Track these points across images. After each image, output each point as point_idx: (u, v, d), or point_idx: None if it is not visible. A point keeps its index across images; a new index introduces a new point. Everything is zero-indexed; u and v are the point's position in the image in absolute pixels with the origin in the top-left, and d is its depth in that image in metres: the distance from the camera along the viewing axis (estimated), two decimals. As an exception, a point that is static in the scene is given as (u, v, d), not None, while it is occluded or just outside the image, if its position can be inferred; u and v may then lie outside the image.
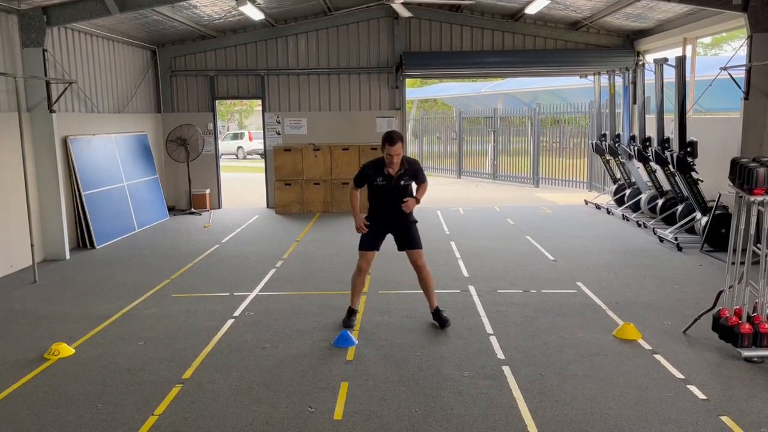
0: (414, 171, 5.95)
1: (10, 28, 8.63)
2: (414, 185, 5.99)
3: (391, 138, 5.69)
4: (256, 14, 11.66)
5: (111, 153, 11.26)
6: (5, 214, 8.32)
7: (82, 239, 10.06)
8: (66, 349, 5.45)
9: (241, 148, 31.99)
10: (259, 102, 14.10)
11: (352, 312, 6.11)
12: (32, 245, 8.13)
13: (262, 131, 14.26)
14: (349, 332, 5.70)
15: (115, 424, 4.21)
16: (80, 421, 4.27)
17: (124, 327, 6.16)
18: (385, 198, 5.89)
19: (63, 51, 9.99)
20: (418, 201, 5.93)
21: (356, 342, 5.59)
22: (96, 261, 9.16)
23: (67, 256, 9.28)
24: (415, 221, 6.08)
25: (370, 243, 6.03)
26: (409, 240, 6.02)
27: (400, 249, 6.11)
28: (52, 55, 9.45)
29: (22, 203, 8.19)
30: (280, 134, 13.88)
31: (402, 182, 5.86)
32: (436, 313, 6.06)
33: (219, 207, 14.10)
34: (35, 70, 8.79)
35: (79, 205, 9.99)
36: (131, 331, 6.01)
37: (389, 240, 6.08)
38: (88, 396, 4.64)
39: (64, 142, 9.82)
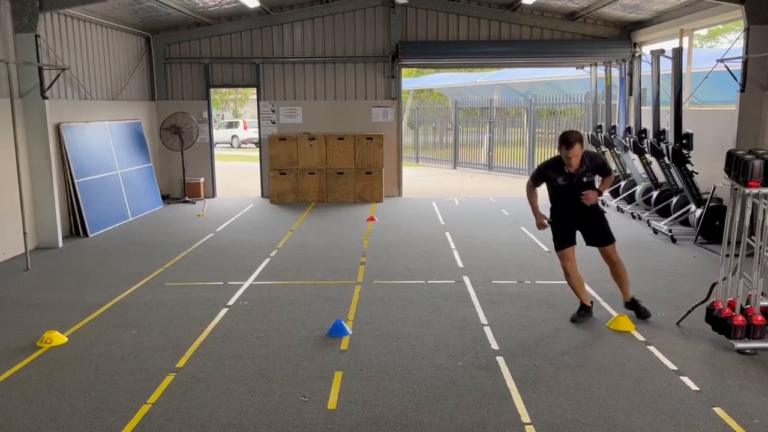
0: (596, 165, 5.72)
1: (2, 13, 8.52)
2: (598, 178, 5.78)
3: (568, 141, 5.40)
4: (251, 1, 11.58)
5: (104, 140, 11.19)
6: (-3, 202, 8.27)
7: (75, 227, 10.00)
8: (59, 337, 5.42)
9: (236, 137, 31.82)
10: (254, 90, 14.00)
11: (583, 308, 5.92)
12: (25, 233, 8.08)
13: (257, 120, 14.18)
14: (343, 321, 5.69)
15: (107, 412, 4.20)
16: (73, 409, 4.25)
17: (118, 315, 6.14)
18: (567, 197, 5.67)
19: (56, 37, 9.88)
20: (600, 193, 5.70)
21: (350, 332, 5.58)
22: (89, 249, 9.12)
23: (60, 244, 9.23)
24: (603, 212, 5.87)
25: (563, 240, 5.83)
26: (598, 235, 5.82)
27: (588, 243, 5.92)
28: (45, 41, 9.35)
29: (15, 190, 8.13)
30: (275, 123, 13.81)
31: (584, 179, 5.60)
32: (633, 303, 5.94)
33: (213, 196, 14.04)
34: (28, 56, 8.70)
35: (72, 192, 9.93)
36: (124, 320, 5.99)
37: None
38: (81, 384, 4.62)
39: (57, 129, 9.74)
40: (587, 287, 6.29)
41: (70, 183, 9.92)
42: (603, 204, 12.35)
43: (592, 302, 6.08)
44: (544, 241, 9.20)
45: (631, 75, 12.46)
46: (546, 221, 5.86)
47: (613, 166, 13.11)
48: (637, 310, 5.93)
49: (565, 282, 7.06)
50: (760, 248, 5.09)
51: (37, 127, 8.92)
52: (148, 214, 11.94)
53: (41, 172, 9.03)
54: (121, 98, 12.18)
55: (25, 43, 8.71)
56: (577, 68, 15.20)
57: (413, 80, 29.90)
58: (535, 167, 5.91)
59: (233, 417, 4.14)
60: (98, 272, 7.80)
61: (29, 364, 4.98)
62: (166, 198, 13.41)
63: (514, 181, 17.27)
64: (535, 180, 5.88)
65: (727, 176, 5.39)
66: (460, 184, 16.57)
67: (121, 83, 12.20)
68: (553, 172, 5.69)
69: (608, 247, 5.85)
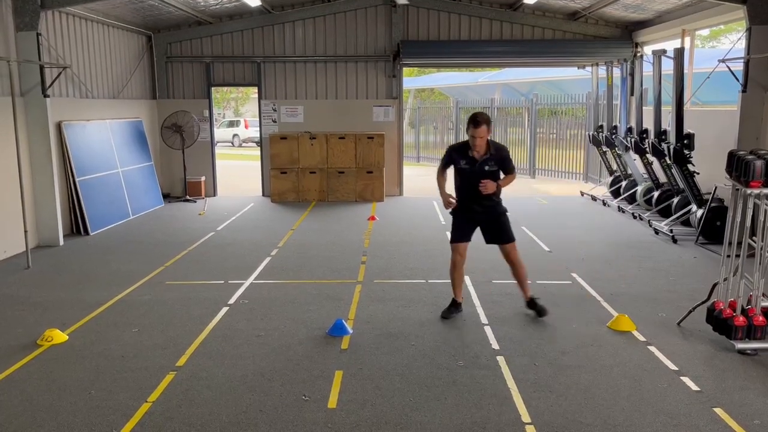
0: (501, 158, 5.78)
1: (3, 12, 8.52)
2: (501, 174, 5.83)
3: (476, 120, 5.54)
4: (252, 0, 11.57)
5: (106, 139, 11.19)
6: (-2, 200, 8.27)
7: (76, 226, 10.01)
8: (59, 336, 5.42)
9: (237, 136, 31.83)
10: (256, 89, 13.99)
11: (455, 304, 6.04)
12: (26, 231, 8.08)
13: (258, 119, 14.19)
14: (343, 321, 5.69)
15: (108, 410, 4.20)
16: (73, 407, 4.25)
17: (118, 314, 6.14)
18: (467, 182, 5.74)
19: (57, 35, 9.89)
20: (499, 186, 5.74)
21: (351, 331, 5.58)
22: (90, 247, 9.12)
23: (61, 243, 9.23)
24: (505, 211, 5.93)
25: (459, 234, 5.91)
26: (497, 233, 5.89)
27: (487, 242, 5.99)
28: (47, 40, 9.35)
29: (16, 189, 8.14)
30: (276, 122, 13.81)
31: (486, 167, 5.68)
32: (531, 303, 6.01)
33: (214, 195, 14.04)
34: (29, 54, 8.70)
35: (73, 191, 9.93)
36: (125, 318, 5.99)
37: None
38: (82, 382, 4.62)
39: (59, 128, 9.75)
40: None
41: (71, 181, 9.93)
42: (603, 204, 12.35)
43: (462, 299, 6.15)
44: (544, 241, 9.21)
45: (632, 75, 12.45)
46: (453, 200, 5.84)
47: (615, 166, 13.13)
48: (535, 308, 5.99)
49: (567, 282, 7.11)
50: (761, 249, 5.09)
51: (39, 125, 8.92)
52: (149, 212, 11.95)
53: (42, 170, 9.03)
54: (123, 97, 12.18)
55: (27, 42, 8.71)
56: (578, 68, 15.19)
57: (414, 79, 29.90)
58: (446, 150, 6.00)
59: (233, 415, 4.14)
60: (99, 271, 7.80)
61: (30, 362, 4.99)
62: (167, 197, 13.41)
63: (515, 180, 17.22)
64: (443, 162, 5.95)
65: (728, 177, 5.38)
66: (461, 184, 16.52)
67: (123, 82, 12.20)
68: (458, 154, 5.77)
69: (507, 245, 5.90)
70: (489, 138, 5.71)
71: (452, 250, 5.97)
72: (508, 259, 5.96)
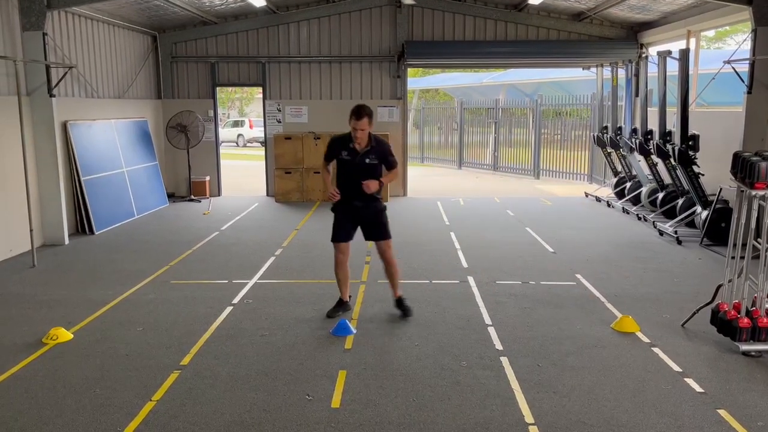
0: (383, 152, 5.77)
1: (10, 11, 8.56)
2: (384, 169, 5.82)
3: (358, 112, 5.53)
4: (257, 0, 11.60)
5: (111, 138, 11.23)
6: (4, 199, 8.30)
7: (81, 225, 10.04)
8: (64, 334, 5.45)
9: (242, 136, 31.89)
10: (260, 89, 14.02)
11: (341, 303, 6.06)
12: (31, 230, 8.12)
13: (262, 119, 14.21)
14: (347, 321, 5.70)
15: (113, 409, 4.22)
16: (78, 405, 4.27)
17: (123, 313, 6.16)
18: (349, 174, 5.71)
19: (63, 35, 9.93)
20: (381, 183, 5.73)
21: (354, 331, 5.59)
22: (95, 246, 9.15)
23: (66, 242, 9.27)
24: (384, 208, 5.96)
25: (340, 234, 5.93)
26: (375, 230, 5.92)
27: (366, 239, 6.01)
28: (53, 39, 9.39)
29: (22, 188, 8.17)
30: (280, 122, 13.83)
31: (367, 160, 5.68)
32: (399, 302, 6.04)
33: (219, 194, 14.07)
34: (35, 54, 8.74)
35: (79, 190, 9.97)
36: (130, 317, 6.01)
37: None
38: (87, 381, 4.64)
39: (64, 127, 9.78)
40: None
41: (77, 180, 9.96)
42: (608, 205, 12.33)
43: (350, 297, 6.16)
44: (548, 241, 9.20)
45: (637, 76, 12.42)
46: (336, 193, 5.77)
47: (619, 168, 13.11)
48: (401, 307, 6.00)
49: (571, 283, 7.10)
50: (766, 250, 5.07)
51: (44, 124, 8.96)
52: (154, 212, 11.98)
53: (48, 169, 9.07)
54: (128, 96, 12.22)
55: (33, 41, 8.75)
56: (583, 69, 15.19)
57: (419, 80, 29.90)
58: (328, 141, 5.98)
59: (237, 415, 4.15)
60: (104, 270, 7.83)
61: (35, 361, 5.01)
62: (171, 196, 13.45)
63: (519, 181, 17.25)
64: (326, 155, 5.91)
65: (733, 178, 5.38)
66: (465, 185, 16.55)
67: (128, 81, 12.25)
68: (340, 145, 5.75)
69: (382, 242, 5.90)
70: (371, 131, 5.68)
71: (334, 248, 5.96)
72: (383, 256, 5.97)
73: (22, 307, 6.34)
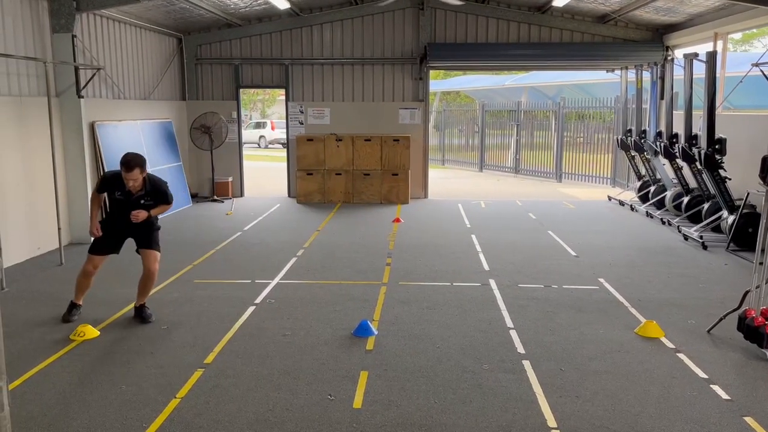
0: (159, 193, 5.83)
1: (40, 14, 8.74)
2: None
3: (128, 164, 5.56)
4: (281, 3, 11.69)
5: (136, 139, 11.39)
6: (33, 197, 8.47)
7: (107, 224, 10.18)
8: (91, 331, 5.54)
9: (264, 137, 32.13)
10: (282, 91, 14.12)
11: (74, 306, 6.02)
12: (59, 228, 8.27)
13: (284, 120, 14.30)
14: (368, 322, 5.72)
15: (138, 405, 4.28)
16: (104, 401, 4.34)
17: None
18: (121, 212, 5.77)
19: (92, 37, 10.10)
20: (149, 214, 5.79)
21: (376, 332, 5.61)
22: (120, 245, 9.27)
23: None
24: (158, 228, 6.03)
25: (99, 247, 5.92)
26: (143, 238, 5.93)
27: (139, 247, 5.98)
28: (81, 41, 9.56)
29: (50, 187, 8.32)
30: (302, 124, 13.91)
31: (142, 201, 5.75)
32: (140, 309, 5.99)
33: (241, 195, 14.19)
34: (64, 56, 8.91)
35: (105, 190, 10.11)
36: (154, 315, 6.08)
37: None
38: (113, 377, 4.72)
39: (92, 128, 9.95)
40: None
41: (103, 180, 10.11)
42: (631, 209, 12.20)
43: (81, 304, 6.07)
44: (571, 245, 9.13)
45: (662, 78, 12.30)
46: (98, 231, 5.83)
47: (643, 171, 12.97)
48: (141, 315, 5.94)
49: (594, 287, 7.05)
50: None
51: (73, 125, 9.12)
52: (177, 212, 12.12)
53: (76, 169, 9.23)
54: (153, 98, 12.39)
55: (62, 43, 8.92)
56: (607, 71, 15.06)
57: (440, 82, 29.86)
58: (101, 175, 5.90)
59: (260, 413, 4.19)
60: (129, 268, 7.89)
61: (63, 357, 5.10)
62: (195, 196, 13.60)
63: (541, 184, 17.14)
64: (98, 187, 5.96)
65: (762, 182, 5.29)
66: (486, 187, 16.49)
67: (154, 83, 12.41)
68: (113, 184, 5.77)
69: (149, 252, 5.91)
70: (145, 175, 5.72)
71: (87, 260, 5.93)
72: (146, 266, 5.93)
73: (50, 305, 6.45)
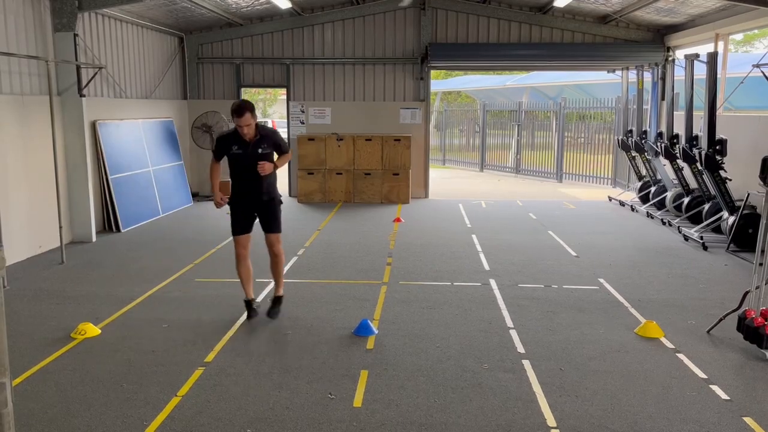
0: (274, 141, 5.83)
1: (42, 13, 8.76)
2: (276, 155, 5.89)
3: (239, 109, 5.54)
4: (283, 2, 11.71)
5: (138, 138, 11.41)
6: (35, 196, 8.49)
7: (108, 222, 10.22)
8: (92, 329, 5.56)
9: (264, 137, 32.12)
10: (283, 91, 14.14)
11: (248, 304, 6.02)
12: (60, 227, 8.28)
13: (285, 120, 14.32)
14: (369, 321, 5.73)
15: (139, 403, 4.30)
16: (105, 399, 4.36)
17: (149, 309, 6.27)
18: (242, 166, 5.74)
19: (93, 36, 10.12)
20: (276, 166, 5.79)
21: (376, 331, 5.62)
22: (121, 244, 9.31)
23: (94, 239, 9.44)
24: (281, 202, 6.02)
25: (238, 227, 5.95)
26: (267, 222, 5.94)
27: (263, 230, 6.00)
28: (83, 40, 9.58)
29: (52, 186, 8.34)
30: (303, 123, 13.93)
31: (259, 150, 5.70)
32: (276, 300, 6.06)
33: (242, 194, 14.17)
34: (66, 55, 8.93)
35: (106, 188, 10.15)
36: (155, 314, 6.11)
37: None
38: (114, 375, 4.74)
39: (93, 127, 9.97)
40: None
41: (105, 179, 10.14)
42: (632, 209, 12.21)
43: (253, 299, 6.09)
44: (571, 245, 9.14)
45: (663, 79, 12.31)
46: (223, 200, 5.87)
47: (644, 172, 12.98)
48: (274, 307, 6.00)
49: (594, 287, 7.06)
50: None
51: (74, 124, 9.15)
52: (179, 211, 12.14)
53: (77, 168, 9.26)
54: (155, 97, 12.41)
55: (64, 42, 8.94)
56: (608, 72, 15.07)
57: (441, 82, 29.86)
58: (215, 140, 5.94)
59: (261, 412, 4.20)
60: (130, 267, 7.96)
61: (64, 355, 5.12)
62: (196, 195, 13.61)
63: (542, 185, 17.15)
64: (215, 152, 5.90)
65: (762, 183, 5.30)
66: (486, 187, 16.50)
67: (155, 82, 12.43)
68: (229, 141, 5.75)
69: (272, 235, 5.91)
70: (257, 121, 5.70)
71: (234, 243, 5.96)
72: (271, 250, 5.97)
73: (52, 303, 6.48)
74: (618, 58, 13.33)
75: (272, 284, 7.14)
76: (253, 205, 5.90)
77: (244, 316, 6.05)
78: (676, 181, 11.38)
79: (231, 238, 6.10)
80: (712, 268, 8.03)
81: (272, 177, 5.85)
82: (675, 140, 10.70)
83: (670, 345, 5.37)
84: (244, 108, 5.55)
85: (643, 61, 12.86)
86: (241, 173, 5.79)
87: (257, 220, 5.99)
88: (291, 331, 5.69)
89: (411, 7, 13.34)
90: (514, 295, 6.78)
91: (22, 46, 8.29)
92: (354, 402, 4.33)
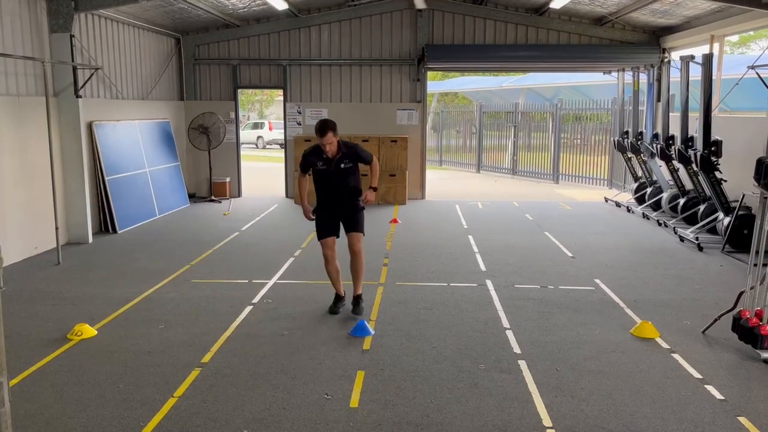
0: (354, 153, 6.03)
1: (39, 14, 8.75)
2: (358, 167, 6.10)
3: (322, 129, 5.80)
4: (279, 4, 11.71)
5: (134, 139, 11.40)
6: (31, 197, 8.47)
7: (105, 223, 10.21)
8: (89, 330, 5.56)
9: (261, 138, 32.14)
10: (280, 92, 14.15)
11: (338, 299, 6.29)
12: (57, 228, 8.27)
13: (282, 121, 14.33)
14: (365, 322, 5.74)
15: (135, 404, 4.30)
16: (102, 400, 4.36)
17: (145, 310, 6.26)
18: (327, 182, 6.03)
19: (90, 37, 10.11)
20: (375, 189, 6.11)
21: (373, 332, 5.63)
22: (118, 245, 9.30)
23: (90, 240, 9.43)
24: (363, 208, 6.19)
25: (323, 231, 6.16)
26: (350, 223, 6.14)
27: (346, 231, 6.19)
28: (79, 41, 9.57)
29: (48, 187, 8.33)
30: (300, 124, 13.93)
31: (342, 165, 5.96)
32: (357, 299, 6.21)
33: (239, 195, 14.20)
34: (63, 56, 8.92)
35: (103, 189, 10.14)
36: (152, 315, 6.11)
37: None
38: (110, 376, 4.73)
39: (90, 128, 9.96)
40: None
41: (101, 180, 10.13)
42: (628, 210, 12.24)
43: (343, 296, 6.32)
44: (567, 246, 9.17)
45: (659, 81, 12.33)
46: (312, 214, 6.18)
47: (640, 173, 13.01)
48: (356, 306, 6.18)
49: (590, 288, 7.08)
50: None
51: (71, 125, 9.13)
52: (175, 212, 12.13)
53: (73, 169, 9.24)
54: (151, 98, 12.40)
55: (61, 43, 8.93)
56: (604, 73, 15.12)
57: (438, 83, 29.90)
58: (302, 156, 6.21)
59: (257, 412, 4.21)
60: (126, 268, 7.95)
61: (60, 356, 5.11)
62: (192, 197, 13.61)
63: (538, 186, 17.19)
64: (302, 167, 6.15)
65: (756, 184, 5.33)
66: (483, 188, 16.53)
67: (151, 83, 12.42)
68: (313, 157, 5.99)
69: (353, 234, 6.12)
70: (338, 139, 5.92)
71: (322, 246, 6.18)
72: (351, 249, 6.16)
73: (48, 304, 6.47)
74: (614, 59, 13.38)
75: (270, 284, 7.16)
76: (336, 213, 6.14)
77: (242, 316, 6.06)
78: (671, 182, 11.42)
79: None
80: (708, 268, 8.06)
81: (353, 189, 6.10)
82: (671, 141, 10.73)
83: (665, 345, 5.39)
84: (326, 128, 5.81)
85: (638, 63, 12.90)
86: (325, 187, 6.10)
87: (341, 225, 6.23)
88: (287, 331, 5.69)
89: (415, 8, 13.35)
90: (511, 295, 6.80)
91: (18, 47, 8.28)
92: (350, 402, 4.34)
